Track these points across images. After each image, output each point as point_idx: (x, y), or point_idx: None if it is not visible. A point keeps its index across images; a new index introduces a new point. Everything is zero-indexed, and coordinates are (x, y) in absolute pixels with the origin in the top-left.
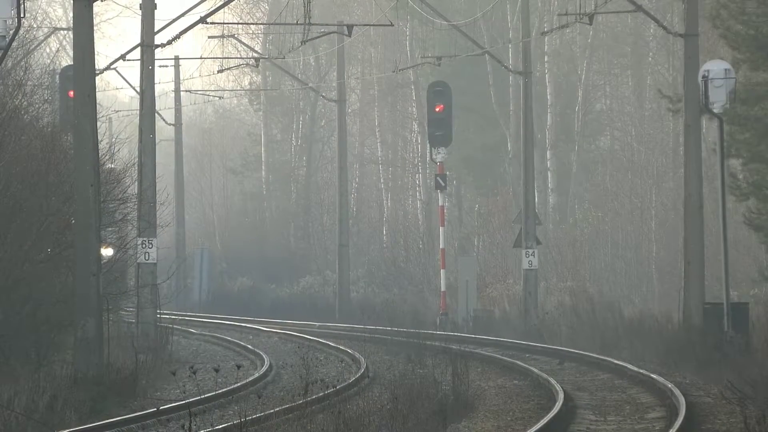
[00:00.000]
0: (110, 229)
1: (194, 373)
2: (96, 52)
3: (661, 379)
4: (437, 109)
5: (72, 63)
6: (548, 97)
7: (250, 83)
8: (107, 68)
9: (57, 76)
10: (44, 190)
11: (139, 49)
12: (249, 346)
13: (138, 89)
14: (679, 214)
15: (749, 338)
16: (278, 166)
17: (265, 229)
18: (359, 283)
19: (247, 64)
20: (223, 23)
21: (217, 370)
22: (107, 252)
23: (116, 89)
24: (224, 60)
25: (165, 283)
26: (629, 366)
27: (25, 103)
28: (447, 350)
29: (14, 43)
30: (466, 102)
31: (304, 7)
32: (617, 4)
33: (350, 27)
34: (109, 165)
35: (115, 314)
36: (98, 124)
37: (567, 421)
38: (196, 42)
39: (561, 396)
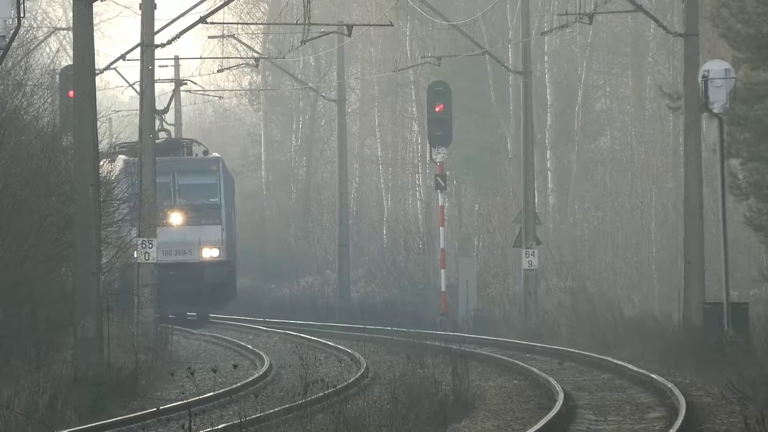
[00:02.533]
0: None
1: (192, 374)
2: (96, 52)
3: (661, 378)
4: (437, 109)
5: (72, 63)
6: (548, 97)
7: (249, 83)
8: (107, 68)
9: (57, 76)
10: (44, 190)
11: (139, 48)
12: (249, 346)
13: (138, 89)
14: (679, 214)
15: (749, 338)
16: (278, 166)
17: (265, 229)
18: (359, 283)
19: (247, 64)
20: (223, 23)
21: (215, 371)
22: None
23: (117, 87)
24: (224, 60)
25: None
26: (629, 366)
27: (25, 103)
28: (447, 350)
29: (14, 43)
30: (466, 102)
31: (304, 7)
32: (617, 4)
33: (350, 27)
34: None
35: (117, 314)
36: (98, 124)
37: (567, 421)
38: (196, 42)
39: (561, 396)
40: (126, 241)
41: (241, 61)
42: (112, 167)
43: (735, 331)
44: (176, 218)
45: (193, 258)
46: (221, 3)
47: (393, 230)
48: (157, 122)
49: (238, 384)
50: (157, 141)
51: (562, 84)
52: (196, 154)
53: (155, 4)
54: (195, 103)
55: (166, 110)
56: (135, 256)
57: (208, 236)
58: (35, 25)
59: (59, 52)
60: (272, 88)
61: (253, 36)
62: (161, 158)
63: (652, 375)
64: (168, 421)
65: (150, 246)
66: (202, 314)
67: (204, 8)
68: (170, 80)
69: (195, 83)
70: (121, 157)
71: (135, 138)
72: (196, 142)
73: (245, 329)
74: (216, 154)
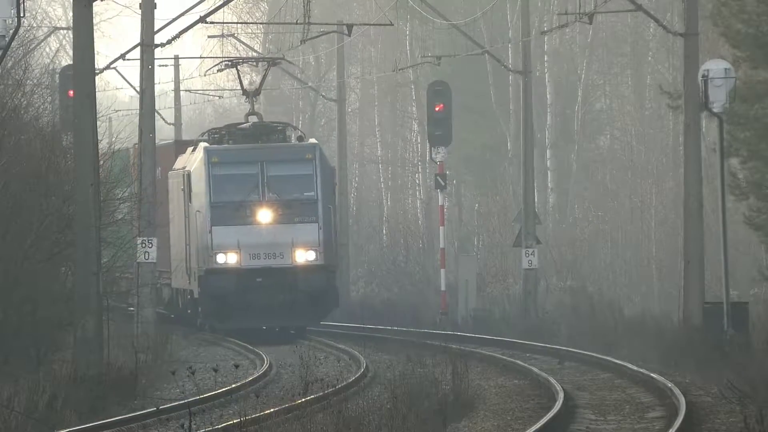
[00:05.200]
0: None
1: (193, 373)
2: (96, 52)
3: (661, 378)
4: (437, 109)
5: (72, 63)
6: (548, 96)
7: (249, 83)
8: (107, 68)
9: (57, 76)
10: (44, 190)
11: (138, 48)
12: (248, 346)
13: (138, 89)
14: (679, 214)
15: (749, 338)
16: None
17: None
18: (359, 282)
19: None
20: (223, 23)
21: (216, 370)
22: None
23: (116, 89)
24: (224, 59)
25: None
26: (629, 365)
27: (24, 102)
28: (447, 349)
29: (14, 43)
30: (466, 102)
31: (304, 6)
32: (617, 3)
33: (350, 26)
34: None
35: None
36: (98, 124)
37: (567, 421)
38: (196, 41)
39: (561, 395)
40: (207, 242)
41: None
42: (193, 156)
43: (735, 331)
44: (265, 216)
45: (284, 262)
46: (221, 2)
47: (393, 230)
48: (248, 105)
49: (238, 383)
50: (243, 125)
51: (562, 84)
52: (290, 141)
53: (155, 4)
54: (195, 103)
55: (258, 92)
56: (218, 261)
57: (302, 236)
58: (35, 25)
59: (59, 51)
60: (272, 87)
61: (253, 36)
62: (247, 145)
63: (652, 374)
64: (168, 420)
65: (150, 246)
66: (299, 328)
67: (204, 8)
68: (262, 59)
69: (289, 61)
70: (203, 144)
71: (136, 136)
72: (291, 126)
73: (245, 329)
74: (313, 140)
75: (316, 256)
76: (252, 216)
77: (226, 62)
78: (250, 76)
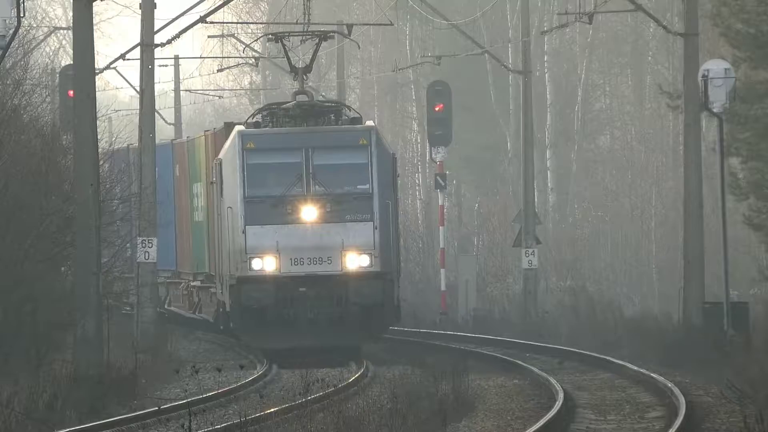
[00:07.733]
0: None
1: (196, 372)
2: (96, 52)
3: (661, 378)
4: (437, 109)
5: (72, 62)
6: (548, 96)
7: (249, 83)
8: (107, 68)
9: (57, 76)
10: (44, 190)
11: (138, 48)
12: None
13: (138, 89)
14: (679, 214)
15: (749, 337)
16: None
17: None
18: None
19: (247, 63)
20: (223, 22)
21: (219, 370)
22: None
23: (116, 89)
24: (224, 59)
25: None
26: (629, 365)
27: (24, 102)
28: (447, 349)
29: (14, 43)
30: (466, 101)
31: (304, 6)
32: (617, 3)
33: (350, 26)
34: None
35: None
36: (98, 123)
37: (567, 421)
38: (196, 41)
39: (561, 395)
40: (240, 244)
41: (240, 61)
42: (228, 143)
43: (735, 331)
44: (310, 213)
45: (333, 269)
46: (221, 2)
47: None
48: (297, 84)
49: (239, 383)
50: (287, 105)
51: (562, 83)
52: (343, 123)
53: (155, 4)
54: (195, 103)
55: (308, 68)
56: (253, 267)
57: (355, 238)
58: (35, 25)
59: (59, 51)
60: (272, 87)
61: (253, 36)
62: (289, 129)
63: (652, 374)
64: (168, 420)
65: (150, 245)
66: (352, 347)
67: (204, 8)
68: (312, 33)
69: (343, 34)
70: (237, 128)
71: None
72: (346, 105)
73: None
74: (370, 123)
75: (371, 261)
76: (294, 213)
77: (270, 36)
78: (251, 76)
